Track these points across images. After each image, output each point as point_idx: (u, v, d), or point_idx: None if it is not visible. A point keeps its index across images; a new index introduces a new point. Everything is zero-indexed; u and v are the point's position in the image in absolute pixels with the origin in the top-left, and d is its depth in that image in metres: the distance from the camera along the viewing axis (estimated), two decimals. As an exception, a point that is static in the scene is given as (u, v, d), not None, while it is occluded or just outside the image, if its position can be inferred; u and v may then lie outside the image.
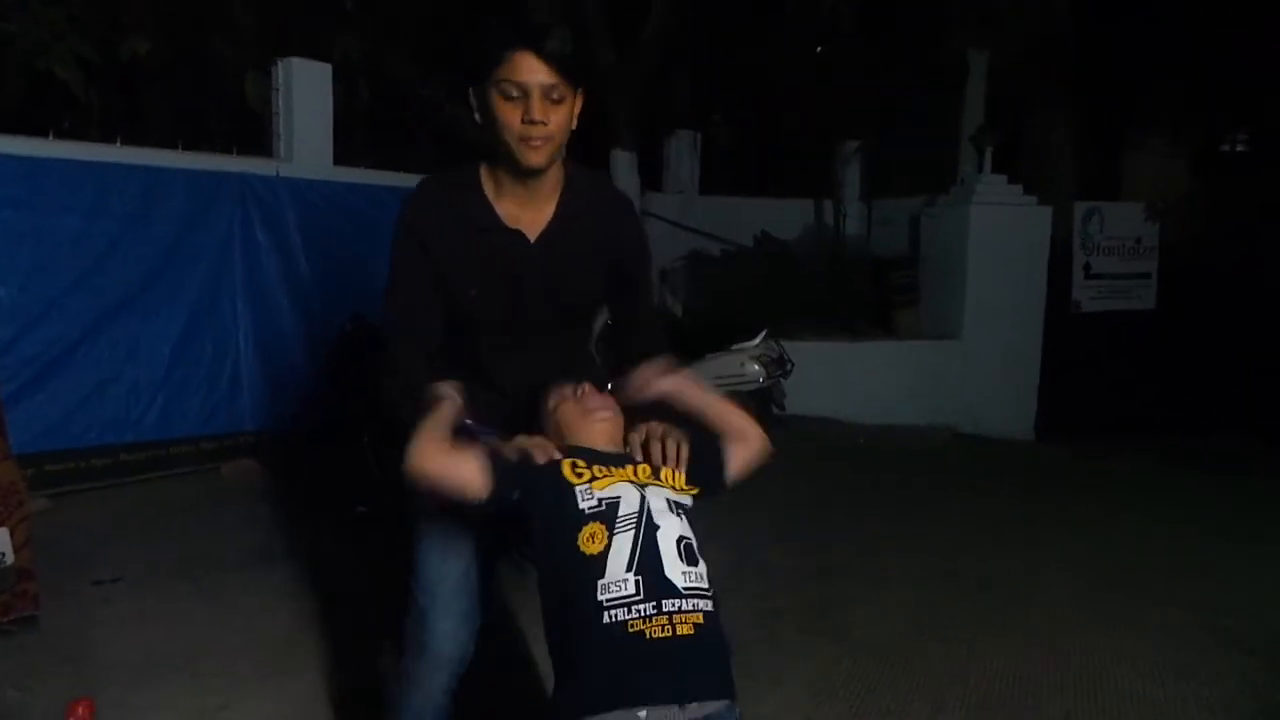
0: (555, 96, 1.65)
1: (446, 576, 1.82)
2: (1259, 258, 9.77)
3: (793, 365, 6.48)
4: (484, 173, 1.79)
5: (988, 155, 7.69)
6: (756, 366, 6.33)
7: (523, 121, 1.64)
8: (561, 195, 1.80)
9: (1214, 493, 5.44)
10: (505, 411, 1.83)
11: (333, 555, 3.87)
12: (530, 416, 1.74)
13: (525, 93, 1.63)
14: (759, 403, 6.40)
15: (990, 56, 8.16)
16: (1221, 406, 7.62)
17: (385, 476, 4.12)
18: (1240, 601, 3.65)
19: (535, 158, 1.68)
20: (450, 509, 1.67)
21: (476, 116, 1.71)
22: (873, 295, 8.25)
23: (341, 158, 6.07)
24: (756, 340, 6.38)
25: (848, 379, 7.12)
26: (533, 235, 1.79)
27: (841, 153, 9.24)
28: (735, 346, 6.38)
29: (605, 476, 1.52)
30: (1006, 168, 7.80)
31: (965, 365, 7.48)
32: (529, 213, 1.79)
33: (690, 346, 6.66)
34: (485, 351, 1.86)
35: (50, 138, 4.71)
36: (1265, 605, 3.64)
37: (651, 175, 8.98)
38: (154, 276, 4.85)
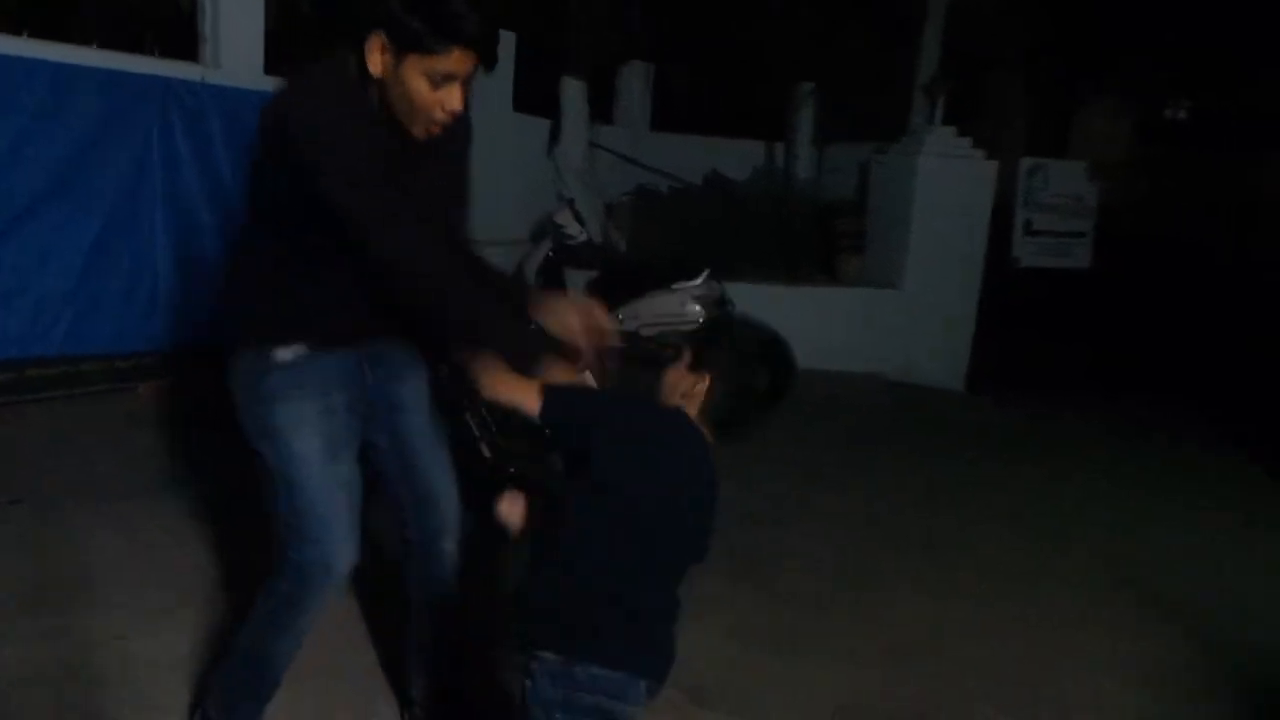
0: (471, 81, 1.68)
1: (335, 492, 1.82)
2: (1193, 224, 10.01)
3: (734, 306, 6.44)
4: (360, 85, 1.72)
5: (939, 106, 7.62)
6: (697, 307, 6.26)
7: (442, 109, 1.67)
8: None
9: (1138, 452, 5.61)
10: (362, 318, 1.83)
11: (249, 483, 3.74)
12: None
13: (451, 81, 1.64)
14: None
15: (950, 3, 8.04)
16: (1148, 368, 7.83)
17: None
18: (1157, 558, 3.78)
19: (430, 135, 1.72)
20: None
21: (374, 67, 1.65)
22: (818, 240, 8.22)
23: (277, 67, 5.73)
24: (698, 280, 6.30)
25: (787, 323, 7.00)
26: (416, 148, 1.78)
27: (796, 95, 9.10)
28: (677, 285, 6.29)
29: None
30: (958, 121, 7.76)
31: (904, 314, 7.52)
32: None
33: (632, 282, 6.59)
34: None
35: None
36: (1183, 562, 3.78)
37: (603, 108, 8.74)
38: (64, 183, 4.53)
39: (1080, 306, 8.52)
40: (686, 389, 1.63)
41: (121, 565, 2.92)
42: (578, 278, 6.95)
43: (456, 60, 1.62)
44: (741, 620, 2.94)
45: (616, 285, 6.72)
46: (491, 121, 7.17)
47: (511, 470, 3.26)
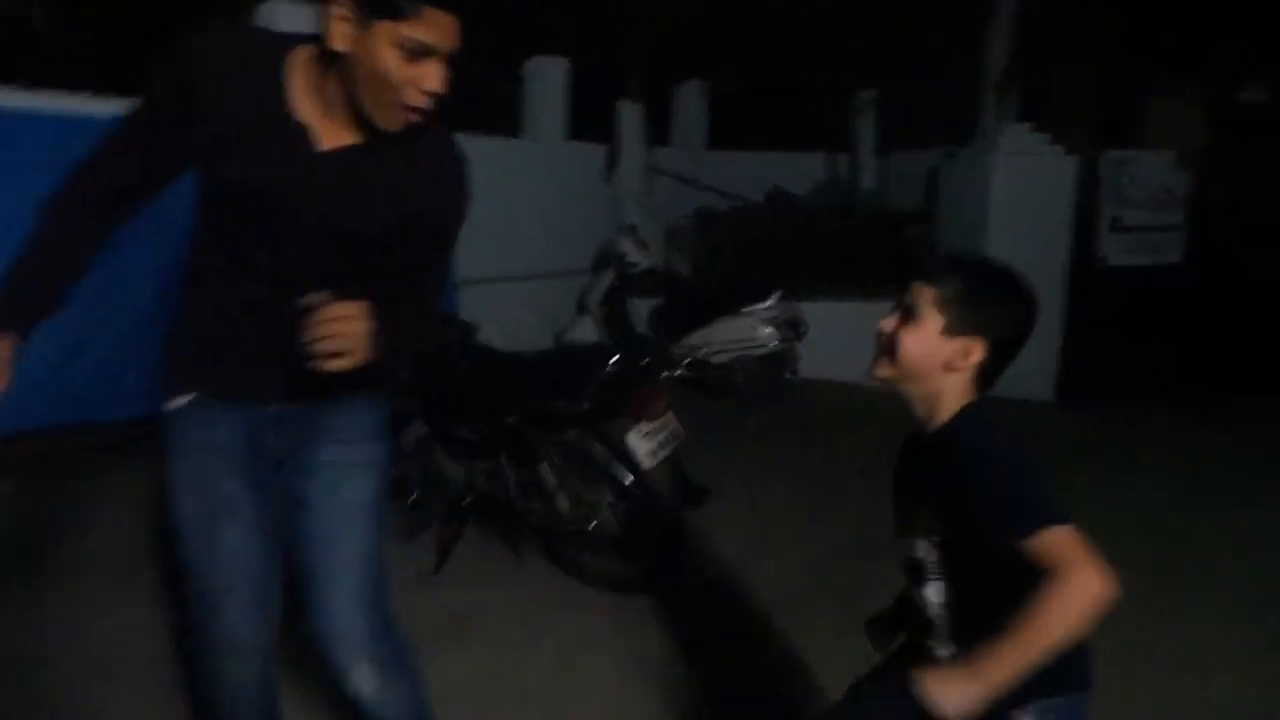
0: (453, 61, 1.43)
1: (216, 561, 1.61)
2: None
3: (807, 327, 6.17)
4: (299, 60, 1.48)
5: (1012, 102, 7.28)
6: (769, 329, 6.01)
7: (417, 89, 1.41)
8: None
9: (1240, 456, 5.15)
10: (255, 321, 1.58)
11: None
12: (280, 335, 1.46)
13: (429, 55, 1.39)
14: (772, 367, 6.11)
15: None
16: (1252, 363, 7.30)
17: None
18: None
19: (405, 125, 1.45)
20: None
21: (332, 42, 1.39)
22: (888, 252, 7.90)
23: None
24: (770, 301, 6.05)
25: (862, 339, 6.78)
26: (328, 144, 1.50)
27: (856, 104, 8.82)
28: (746, 309, 6.05)
29: None
30: (1027, 118, 7.40)
31: (986, 325, 7.16)
32: (333, 124, 1.49)
33: (699, 308, 6.37)
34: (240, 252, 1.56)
35: None
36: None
37: (659, 129, 8.59)
38: None
39: (1174, 304, 8.02)
40: (951, 358, 1.38)
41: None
42: (642, 306, 6.76)
43: (432, 26, 1.36)
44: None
45: (683, 312, 6.52)
46: (546, 152, 7.10)
47: (592, 525, 3.04)
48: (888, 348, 1.43)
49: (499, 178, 6.58)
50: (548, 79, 7.00)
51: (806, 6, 7.98)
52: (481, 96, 8.20)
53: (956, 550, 1.37)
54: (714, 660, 2.81)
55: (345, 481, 1.67)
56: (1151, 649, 2.87)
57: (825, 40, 7.88)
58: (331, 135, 1.49)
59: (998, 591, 1.26)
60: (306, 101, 1.47)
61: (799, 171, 8.96)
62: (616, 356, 2.95)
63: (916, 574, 1.44)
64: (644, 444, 2.95)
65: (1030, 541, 1.21)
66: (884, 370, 1.46)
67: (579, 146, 7.31)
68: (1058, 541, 1.21)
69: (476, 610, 3.05)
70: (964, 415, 1.40)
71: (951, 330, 1.38)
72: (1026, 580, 1.21)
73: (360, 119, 1.46)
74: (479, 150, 7.38)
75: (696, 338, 6.20)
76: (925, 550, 1.41)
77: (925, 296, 1.40)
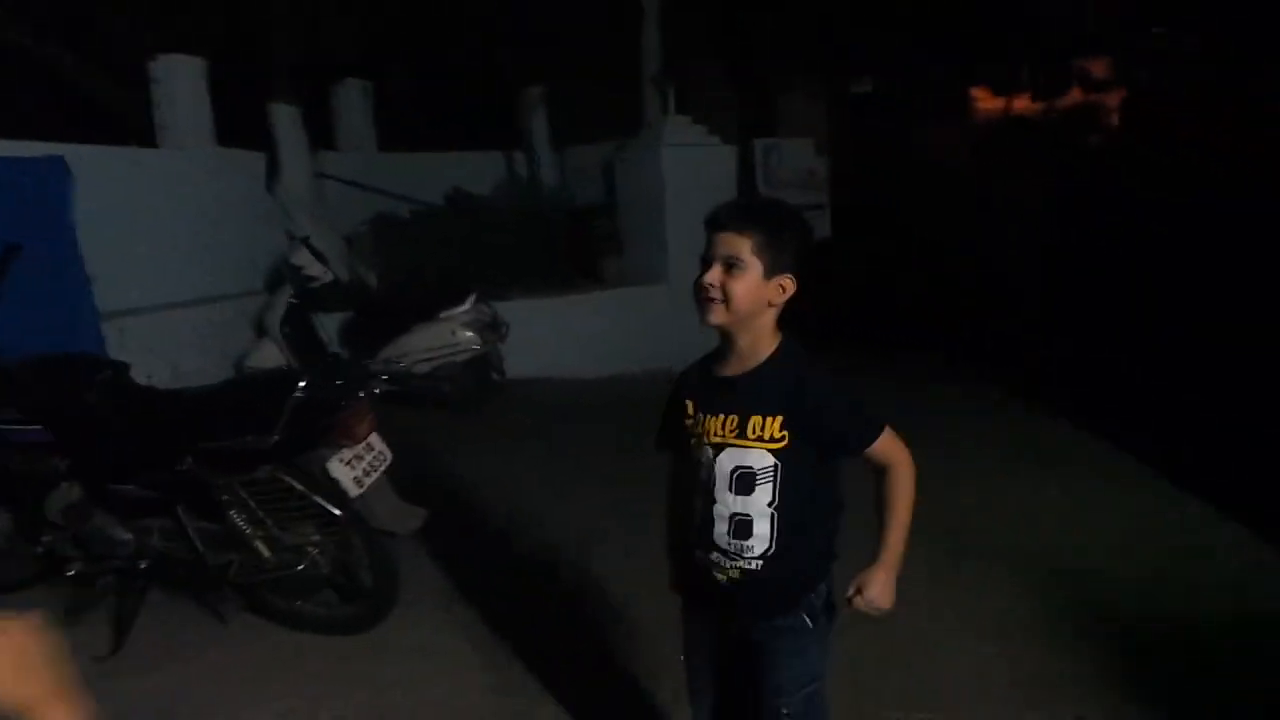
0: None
1: None
2: (892, 190, 10.88)
3: (508, 328, 6.09)
4: None
5: (670, 97, 7.68)
6: (470, 333, 5.86)
7: None
8: None
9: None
10: None
11: None
12: None
13: None
14: (476, 371, 5.96)
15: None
16: (899, 325, 8.34)
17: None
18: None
19: None
20: None
21: None
22: (574, 246, 8.03)
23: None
24: (466, 305, 5.89)
25: (561, 334, 6.87)
26: None
27: (527, 100, 8.86)
28: (443, 314, 5.85)
29: None
30: (684, 111, 7.85)
31: (673, 307, 7.49)
32: None
33: (393, 318, 6.05)
34: None
35: None
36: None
37: (323, 133, 8.02)
38: None
39: (824, 275, 8.93)
40: (772, 296, 1.59)
41: None
42: (329, 322, 6.28)
43: None
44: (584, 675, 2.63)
45: (376, 324, 6.16)
46: (192, 162, 6.33)
47: (300, 567, 2.73)
48: (720, 297, 1.58)
49: (139, 193, 5.77)
50: (182, 81, 6.21)
51: (466, 4, 7.85)
52: (96, 101, 7.16)
53: (791, 455, 1.59)
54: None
55: None
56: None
57: (489, 37, 7.81)
58: None
59: (810, 489, 1.62)
60: None
61: (477, 171, 8.83)
62: (304, 382, 2.64)
63: (745, 482, 1.61)
64: (348, 471, 2.68)
65: (874, 445, 1.60)
66: (719, 317, 1.60)
67: (232, 154, 6.58)
68: (889, 441, 1.62)
69: (179, 690, 2.62)
70: (789, 350, 1.65)
71: (770, 272, 1.58)
72: (822, 481, 1.63)
73: None
74: (109, 163, 6.44)
75: (395, 349, 5.89)
76: (761, 458, 1.60)
77: (742, 247, 1.56)
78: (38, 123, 5.83)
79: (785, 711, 1.66)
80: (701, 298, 1.60)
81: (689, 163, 7.50)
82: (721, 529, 1.65)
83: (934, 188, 10.07)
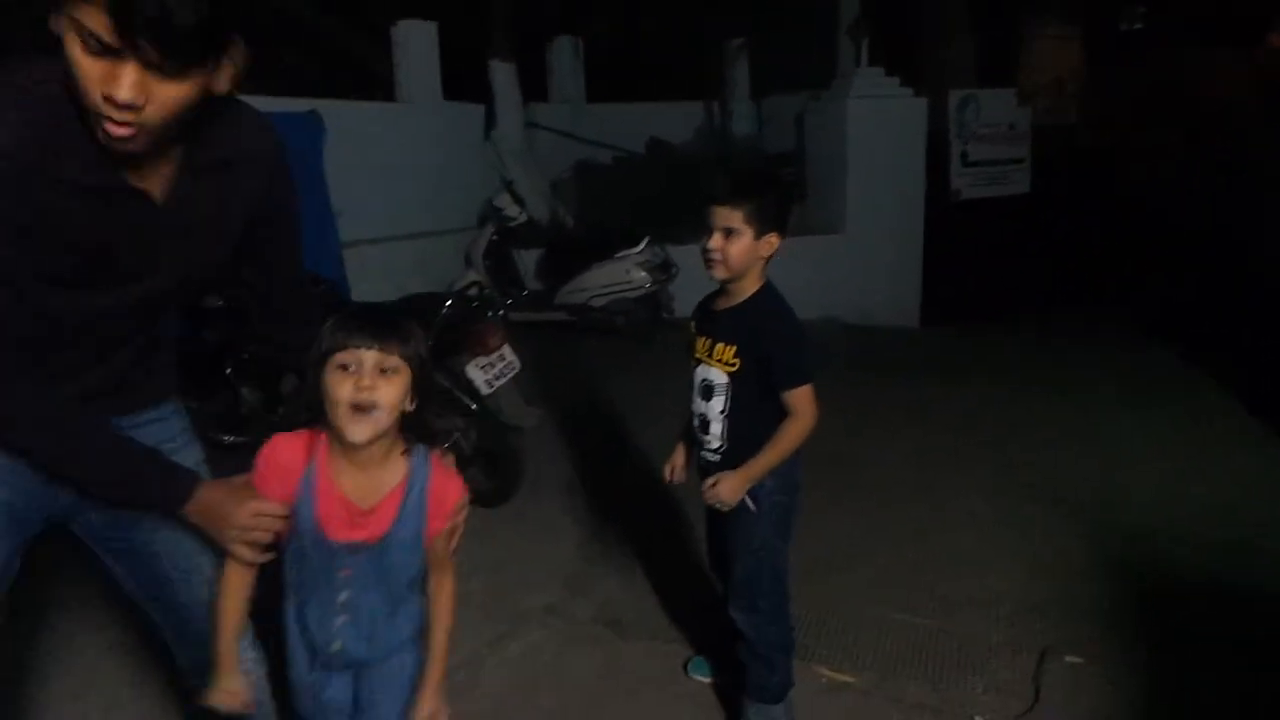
0: (167, 70, 1.09)
1: None
2: (1142, 135, 10.01)
3: (678, 269, 6.61)
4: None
5: (864, 48, 7.73)
6: (642, 273, 6.45)
7: (102, 96, 1.08)
8: (188, 144, 1.28)
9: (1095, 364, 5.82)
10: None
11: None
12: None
13: (106, 54, 1.06)
14: (648, 308, 6.55)
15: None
16: (1092, 283, 8.00)
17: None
18: (1057, 463, 4.01)
19: (119, 144, 1.12)
20: None
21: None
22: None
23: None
24: (640, 246, 6.48)
25: (739, 279, 7.26)
26: (159, 194, 1.28)
27: (727, 51, 9.21)
28: (619, 254, 6.48)
29: None
30: (894, 60, 7.84)
31: (851, 258, 7.69)
32: (147, 163, 1.24)
33: (577, 256, 6.77)
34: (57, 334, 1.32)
35: None
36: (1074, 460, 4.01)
37: (536, 86, 8.86)
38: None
39: (1023, 231, 8.64)
40: (761, 251, 1.99)
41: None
42: (526, 257, 7.12)
43: (90, 11, 1.03)
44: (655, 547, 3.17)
45: (563, 260, 6.92)
46: (423, 115, 7.34)
47: (447, 445, 3.46)
48: (720, 258, 1.99)
49: (377, 140, 6.83)
50: (417, 43, 7.21)
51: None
52: (350, 62, 8.36)
53: (741, 377, 2.03)
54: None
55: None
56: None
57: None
58: (153, 178, 1.28)
59: (755, 406, 2.02)
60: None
61: (678, 121, 9.34)
62: (449, 301, 3.35)
63: (707, 391, 2.08)
64: (481, 374, 3.36)
65: (788, 391, 1.97)
66: (721, 273, 2.02)
67: (456, 107, 7.56)
68: (801, 395, 1.98)
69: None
70: (766, 294, 2.05)
71: (758, 234, 1.98)
72: (770, 403, 1.98)
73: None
74: (357, 116, 7.64)
75: (576, 283, 6.61)
76: (718, 375, 2.06)
77: (735, 217, 1.96)
78: (300, 79, 7.03)
79: (739, 564, 2.14)
80: (706, 259, 2.03)
81: (875, 115, 7.57)
82: (696, 423, 2.15)
83: (1202, 148, 9.17)
